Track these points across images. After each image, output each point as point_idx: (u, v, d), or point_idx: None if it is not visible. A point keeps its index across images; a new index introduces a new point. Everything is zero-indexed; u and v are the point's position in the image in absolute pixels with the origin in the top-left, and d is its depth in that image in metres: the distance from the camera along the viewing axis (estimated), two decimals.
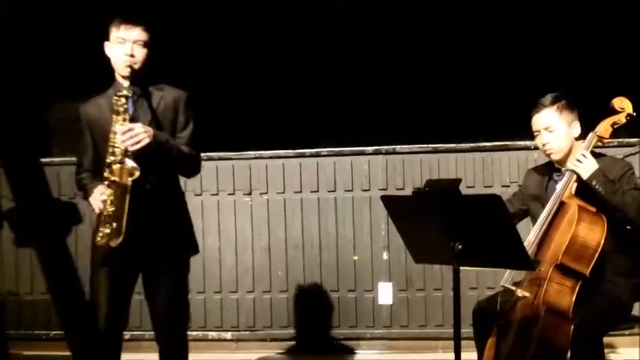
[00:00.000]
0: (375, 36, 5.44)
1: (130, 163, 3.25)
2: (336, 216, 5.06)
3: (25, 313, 5.15)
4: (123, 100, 3.30)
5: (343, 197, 5.06)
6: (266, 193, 5.10)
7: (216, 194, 5.10)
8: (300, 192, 5.08)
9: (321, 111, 5.34)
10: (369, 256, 5.03)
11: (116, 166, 3.25)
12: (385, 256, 5.01)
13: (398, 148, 5.04)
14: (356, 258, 5.04)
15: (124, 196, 3.25)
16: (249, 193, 5.11)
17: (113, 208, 3.26)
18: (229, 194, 5.12)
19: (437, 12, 5.37)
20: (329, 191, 5.07)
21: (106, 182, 3.27)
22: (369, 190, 5.04)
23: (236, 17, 5.49)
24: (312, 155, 5.10)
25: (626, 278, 3.43)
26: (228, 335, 5.12)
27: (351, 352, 5.04)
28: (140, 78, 3.43)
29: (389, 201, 3.28)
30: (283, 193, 5.09)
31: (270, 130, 5.31)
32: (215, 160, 5.07)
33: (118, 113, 3.30)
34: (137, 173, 3.24)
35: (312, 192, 5.07)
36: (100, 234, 3.29)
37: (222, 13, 5.49)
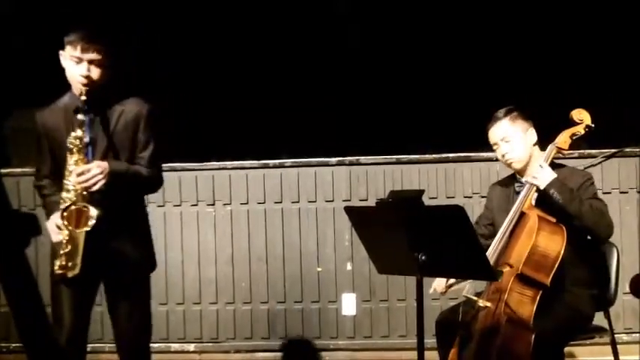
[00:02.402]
0: (337, 50, 5.47)
1: (89, 209, 3.14)
2: (300, 227, 5.05)
3: None
4: (78, 141, 3.16)
5: (307, 208, 5.06)
6: (229, 204, 5.08)
7: (179, 205, 5.06)
8: (264, 203, 5.06)
9: (285, 121, 5.34)
10: (333, 267, 5.03)
11: (71, 208, 3.14)
12: (349, 267, 5.01)
13: (362, 159, 5.05)
14: (319, 269, 5.04)
15: (78, 240, 3.16)
16: (213, 204, 5.08)
17: (68, 249, 3.16)
18: (192, 205, 5.08)
19: (399, 26, 5.42)
20: (292, 202, 5.06)
21: (63, 223, 3.14)
22: (332, 201, 5.04)
23: (198, 26, 5.48)
24: (275, 166, 5.08)
25: (585, 289, 3.47)
26: (191, 347, 5.08)
27: None
28: (99, 93, 3.26)
29: (352, 212, 3.29)
30: (247, 204, 5.07)
31: (234, 140, 5.30)
32: (178, 170, 5.04)
33: (72, 153, 3.17)
34: (92, 222, 3.13)
35: (275, 203, 5.06)
36: (57, 265, 3.21)
37: (184, 21, 5.48)
